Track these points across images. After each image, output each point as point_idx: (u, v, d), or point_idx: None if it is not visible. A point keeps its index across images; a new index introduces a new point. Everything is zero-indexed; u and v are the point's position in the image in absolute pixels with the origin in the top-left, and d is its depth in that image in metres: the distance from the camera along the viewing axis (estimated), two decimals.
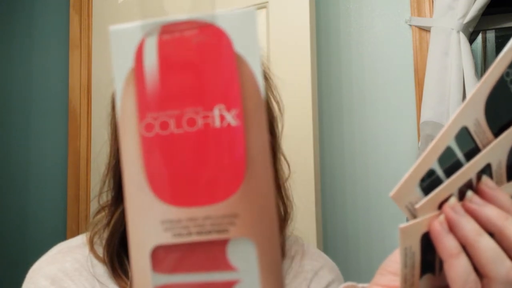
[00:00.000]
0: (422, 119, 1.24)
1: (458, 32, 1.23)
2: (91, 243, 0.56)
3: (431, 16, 1.29)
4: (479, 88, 0.29)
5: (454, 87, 1.22)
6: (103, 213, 0.58)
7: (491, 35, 1.44)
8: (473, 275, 0.27)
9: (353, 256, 1.32)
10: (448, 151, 0.28)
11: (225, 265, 0.20)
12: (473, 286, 0.27)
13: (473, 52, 1.27)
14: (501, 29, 1.41)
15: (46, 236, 1.68)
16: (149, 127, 0.21)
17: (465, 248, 0.27)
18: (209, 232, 0.20)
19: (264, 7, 1.31)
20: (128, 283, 0.53)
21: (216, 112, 0.20)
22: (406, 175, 0.28)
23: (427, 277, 0.29)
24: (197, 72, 0.21)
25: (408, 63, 1.32)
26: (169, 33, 0.21)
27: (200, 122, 0.20)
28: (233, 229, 0.20)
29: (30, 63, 1.80)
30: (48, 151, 1.74)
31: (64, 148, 1.70)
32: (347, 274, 0.89)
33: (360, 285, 0.41)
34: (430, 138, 1.22)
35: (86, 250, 0.56)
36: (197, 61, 0.21)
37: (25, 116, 1.78)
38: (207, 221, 0.20)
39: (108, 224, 0.55)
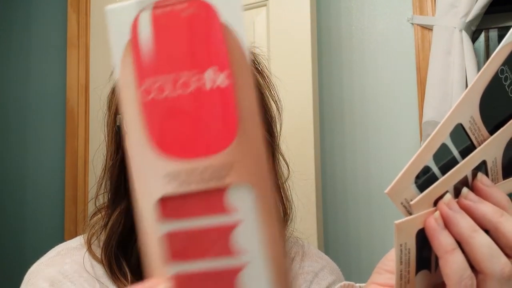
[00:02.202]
0: (424, 119, 1.23)
1: (460, 30, 1.22)
2: (89, 244, 0.55)
3: (433, 14, 1.28)
4: (474, 86, 0.29)
5: (456, 86, 1.21)
6: (99, 215, 0.58)
7: (493, 34, 1.43)
8: (468, 271, 0.27)
9: (354, 256, 1.30)
10: (443, 148, 0.29)
11: (225, 209, 0.22)
12: (468, 282, 0.27)
13: (475, 51, 1.26)
14: (504, 28, 1.40)
15: (44, 237, 1.67)
16: (147, 92, 0.23)
17: (461, 244, 0.27)
18: (209, 180, 0.22)
19: (265, 5, 1.30)
20: (128, 283, 0.53)
21: (208, 74, 0.22)
22: (401, 172, 0.28)
23: (423, 273, 0.30)
24: (188, 41, 0.23)
25: (410, 62, 1.31)
26: (161, 8, 0.23)
27: (193, 84, 0.22)
28: (230, 177, 0.22)
29: (28, 62, 1.78)
30: (46, 151, 1.72)
31: (61, 148, 1.69)
32: (349, 274, 0.87)
33: (358, 284, 0.40)
34: None
35: (85, 251, 0.55)
36: (188, 31, 0.23)
37: (23, 116, 1.77)
38: (207, 171, 0.22)
39: (105, 226, 0.55)
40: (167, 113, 0.22)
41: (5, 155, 1.77)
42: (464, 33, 1.22)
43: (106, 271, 0.54)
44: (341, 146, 1.36)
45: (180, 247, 0.22)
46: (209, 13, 0.23)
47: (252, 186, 0.22)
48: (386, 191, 0.28)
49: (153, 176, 0.22)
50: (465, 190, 0.29)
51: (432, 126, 1.22)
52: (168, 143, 0.22)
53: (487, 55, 1.45)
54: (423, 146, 0.28)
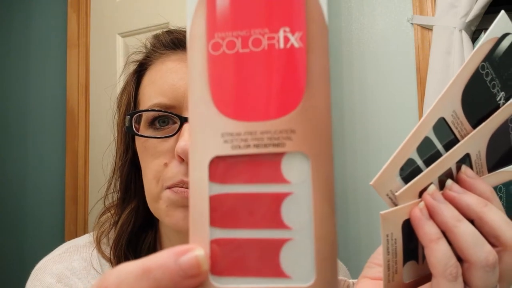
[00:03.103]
0: None
1: (460, 30, 1.22)
2: (98, 243, 0.55)
3: (433, 14, 1.28)
4: (455, 81, 0.29)
5: None
6: (108, 214, 0.58)
7: None
8: (453, 260, 0.27)
9: (354, 256, 1.30)
10: (427, 142, 0.29)
11: (279, 178, 0.21)
12: (453, 270, 0.27)
13: None
14: None
15: (44, 237, 1.67)
16: (216, 46, 0.22)
17: (445, 233, 0.28)
18: (266, 145, 0.21)
19: None
20: None
21: (281, 34, 0.22)
22: (386, 164, 0.28)
23: (411, 264, 0.30)
24: None
25: (410, 62, 1.31)
26: None
27: (265, 42, 0.22)
28: (289, 144, 0.21)
29: (28, 63, 1.78)
30: (46, 151, 1.72)
31: (62, 148, 1.69)
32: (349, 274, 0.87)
33: (351, 280, 0.41)
34: None
35: (93, 249, 0.55)
36: None
37: (23, 116, 1.77)
38: (265, 135, 0.21)
39: (115, 225, 0.55)
40: (233, 69, 0.22)
41: (5, 155, 1.77)
42: (464, 33, 1.22)
43: None
44: (341, 146, 1.36)
45: (226, 211, 0.22)
46: None
47: (310, 157, 0.21)
48: (371, 182, 0.28)
49: (210, 134, 0.22)
50: (449, 181, 0.29)
51: None
52: (230, 101, 0.22)
53: None
54: (406, 138, 0.29)
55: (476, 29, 1.28)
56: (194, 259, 0.20)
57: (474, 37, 1.34)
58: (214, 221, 0.21)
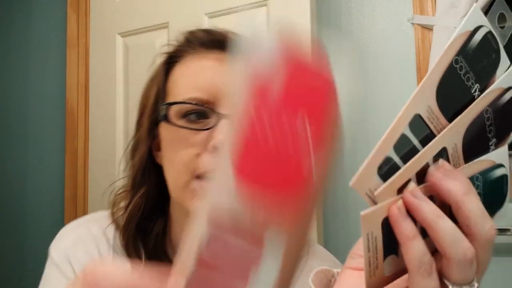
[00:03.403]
0: None
1: None
2: (114, 218, 0.59)
3: (433, 14, 1.28)
4: (429, 77, 0.29)
5: None
6: (123, 194, 0.60)
7: None
8: (427, 257, 0.28)
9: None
10: (403, 139, 0.30)
11: (258, 242, 0.22)
12: (427, 267, 0.28)
13: None
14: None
15: (44, 236, 1.66)
16: (252, 120, 0.22)
17: (426, 229, 0.29)
18: (260, 223, 0.22)
19: (265, 5, 1.29)
20: (141, 262, 0.56)
21: (299, 123, 0.22)
22: (364, 164, 0.29)
23: (391, 258, 0.31)
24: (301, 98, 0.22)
25: (410, 62, 1.31)
26: (296, 60, 0.23)
27: (288, 130, 0.22)
28: (280, 222, 0.22)
29: (28, 62, 1.78)
30: (46, 151, 1.72)
31: (61, 148, 1.69)
32: None
33: (335, 270, 0.43)
34: None
35: (109, 222, 0.59)
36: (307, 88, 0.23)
37: (22, 116, 1.77)
38: (262, 213, 0.22)
39: (126, 208, 0.57)
40: (257, 146, 0.22)
41: (5, 155, 1.77)
42: None
43: (123, 251, 0.57)
44: (341, 146, 1.35)
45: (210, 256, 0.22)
46: (331, 93, 0.23)
47: (290, 235, 0.22)
48: (350, 183, 0.28)
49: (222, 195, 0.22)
50: (431, 168, 0.30)
51: None
52: (248, 172, 0.22)
53: None
54: (383, 137, 0.30)
55: None
56: None
57: None
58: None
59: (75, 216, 1.62)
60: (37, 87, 1.76)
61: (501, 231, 1.19)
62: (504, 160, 0.33)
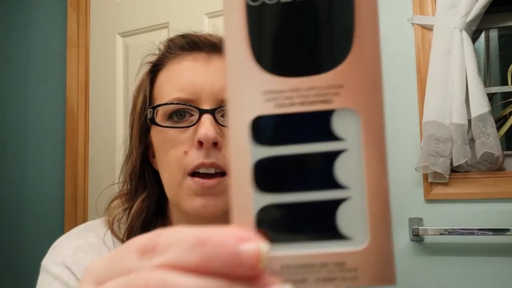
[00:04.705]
0: (424, 119, 1.23)
1: (460, 30, 1.22)
2: (111, 225, 0.59)
3: (433, 14, 1.28)
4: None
5: (456, 87, 1.20)
6: (119, 200, 0.61)
7: (494, 34, 1.42)
8: None
9: None
10: None
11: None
12: None
13: (476, 51, 1.26)
14: (504, 28, 1.39)
15: (44, 237, 1.66)
16: None
17: None
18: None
19: None
20: None
21: None
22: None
23: None
24: None
25: (410, 62, 1.31)
26: None
27: None
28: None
29: (28, 62, 1.78)
30: (46, 151, 1.72)
31: (61, 148, 1.69)
32: None
33: None
34: (432, 138, 1.21)
35: (106, 229, 0.59)
36: None
37: (22, 116, 1.77)
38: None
39: (129, 210, 0.58)
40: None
41: (5, 155, 1.77)
42: (464, 33, 1.22)
43: None
44: None
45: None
46: None
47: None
48: None
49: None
50: None
51: (433, 126, 1.21)
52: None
53: (488, 55, 1.45)
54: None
55: (476, 29, 1.28)
56: (256, 253, 0.18)
57: (475, 37, 1.34)
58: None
59: (75, 216, 1.63)
60: (37, 87, 1.76)
61: (501, 231, 1.19)
62: None
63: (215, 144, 0.51)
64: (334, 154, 0.20)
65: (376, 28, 0.20)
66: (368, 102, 0.20)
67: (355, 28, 0.20)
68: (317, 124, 0.20)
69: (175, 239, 0.19)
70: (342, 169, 0.20)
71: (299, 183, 0.20)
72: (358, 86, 0.19)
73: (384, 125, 0.20)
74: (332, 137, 0.20)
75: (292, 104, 0.20)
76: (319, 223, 0.20)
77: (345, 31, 0.20)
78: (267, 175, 0.20)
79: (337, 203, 0.20)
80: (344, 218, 0.20)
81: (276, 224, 0.20)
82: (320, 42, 0.20)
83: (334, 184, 0.20)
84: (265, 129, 0.20)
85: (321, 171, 0.20)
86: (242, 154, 0.20)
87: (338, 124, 0.20)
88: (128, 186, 0.60)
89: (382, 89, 0.20)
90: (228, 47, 0.20)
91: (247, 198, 0.20)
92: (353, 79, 0.20)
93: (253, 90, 0.20)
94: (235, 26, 0.20)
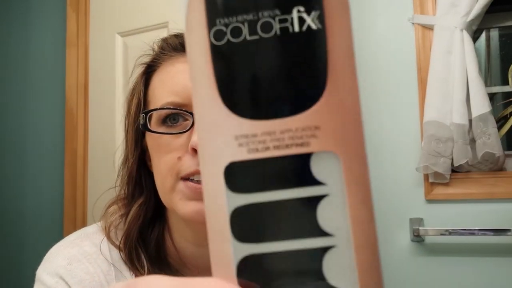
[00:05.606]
0: (425, 119, 1.23)
1: (461, 30, 1.22)
2: (107, 232, 0.58)
3: (434, 14, 1.28)
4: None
5: (457, 86, 1.20)
6: (116, 206, 0.60)
7: (495, 34, 1.42)
8: None
9: None
10: None
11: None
12: None
13: (476, 51, 1.25)
14: (505, 28, 1.39)
15: (43, 237, 1.66)
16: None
17: None
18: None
19: None
20: (145, 273, 0.55)
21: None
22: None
23: None
24: None
25: (411, 62, 1.31)
26: None
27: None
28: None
29: (27, 62, 1.78)
30: (45, 152, 1.72)
31: (60, 149, 1.68)
32: None
33: None
34: (433, 138, 1.21)
35: (102, 236, 0.58)
36: None
37: (21, 115, 1.76)
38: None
39: (125, 216, 0.57)
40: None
41: (4, 155, 1.76)
42: (465, 33, 1.22)
43: (124, 259, 0.56)
44: None
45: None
46: None
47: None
48: None
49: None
50: None
51: (433, 126, 1.21)
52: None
53: (488, 55, 1.44)
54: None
55: (477, 29, 1.27)
56: None
57: (475, 37, 1.34)
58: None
59: (74, 217, 1.62)
60: (37, 87, 1.75)
61: (501, 231, 1.19)
62: None
63: None
64: (315, 200, 0.19)
65: (352, 62, 0.19)
66: (348, 143, 0.18)
67: (328, 64, 0.18)
68: (295, 169, 0.19)
69: None
70: (325, 215, 0.18)
71: (279, 232, 0.19)
72: (336, 127, 0.18)
73: (366, 166, 0.19)
74: (312, 181, 0.19)
75: (266, 149, 0.19)
76: (305, 273, 0.19)
77: (317, 68, 0.18)
78: (245, 225, 0.19)
79: (322, 251, 0.19)
80: (331, 268, 0.18)
81: (259, 275, 0.19)
82: (291, 81, 0.19)
83: (317, 232, 0.19)
84: (239, 176, 0.19)
85: (302, 218, 0.19)
86: (218, 203, 0.19)
87: (317, 168, 0.19)
88: (125, 191, 0.59)
89: (362, 127, 0.19)
90: (195, 91, 0.19)
91: (227, 249, 0.19)
92: (329, 119, 0.18)
93: (225, 136, 0.19)
94: (200, 67, 0.19)
